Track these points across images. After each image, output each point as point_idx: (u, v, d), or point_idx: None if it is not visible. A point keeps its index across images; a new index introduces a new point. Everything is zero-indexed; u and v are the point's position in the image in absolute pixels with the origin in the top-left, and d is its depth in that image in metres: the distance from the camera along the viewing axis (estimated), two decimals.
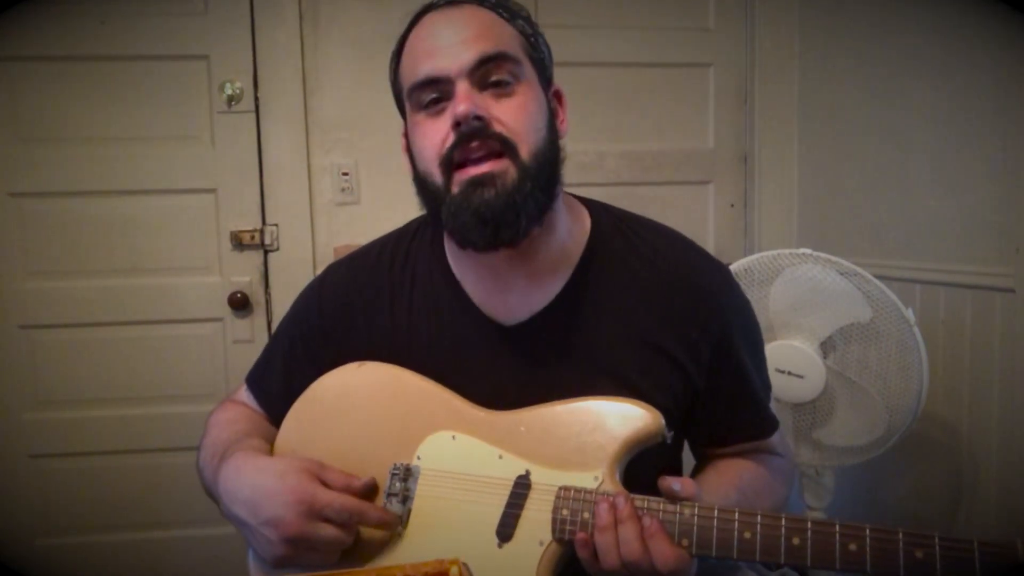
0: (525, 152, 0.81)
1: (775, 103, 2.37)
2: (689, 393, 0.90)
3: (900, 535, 0.69)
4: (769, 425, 0.96)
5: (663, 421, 0.81)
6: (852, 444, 1.65)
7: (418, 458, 0.87)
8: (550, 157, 0.84)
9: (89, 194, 2.12)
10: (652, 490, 0.78)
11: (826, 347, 1.65)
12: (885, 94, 1.97)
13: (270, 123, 2.17)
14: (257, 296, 2.21)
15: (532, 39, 0.88)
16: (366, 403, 0.92)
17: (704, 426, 0.93)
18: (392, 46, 0.91)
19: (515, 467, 0.83)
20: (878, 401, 1.59)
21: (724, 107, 2.42)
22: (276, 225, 2.20)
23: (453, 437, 0.87)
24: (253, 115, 2.16)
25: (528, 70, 0.86)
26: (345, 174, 2.22)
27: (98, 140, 2.12)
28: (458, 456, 0.86)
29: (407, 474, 0.86)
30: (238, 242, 2.18)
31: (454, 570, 0.74)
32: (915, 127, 1.87)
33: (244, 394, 1.07)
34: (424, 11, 0.87)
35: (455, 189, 0.81)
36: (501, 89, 0.82)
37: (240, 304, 2.18)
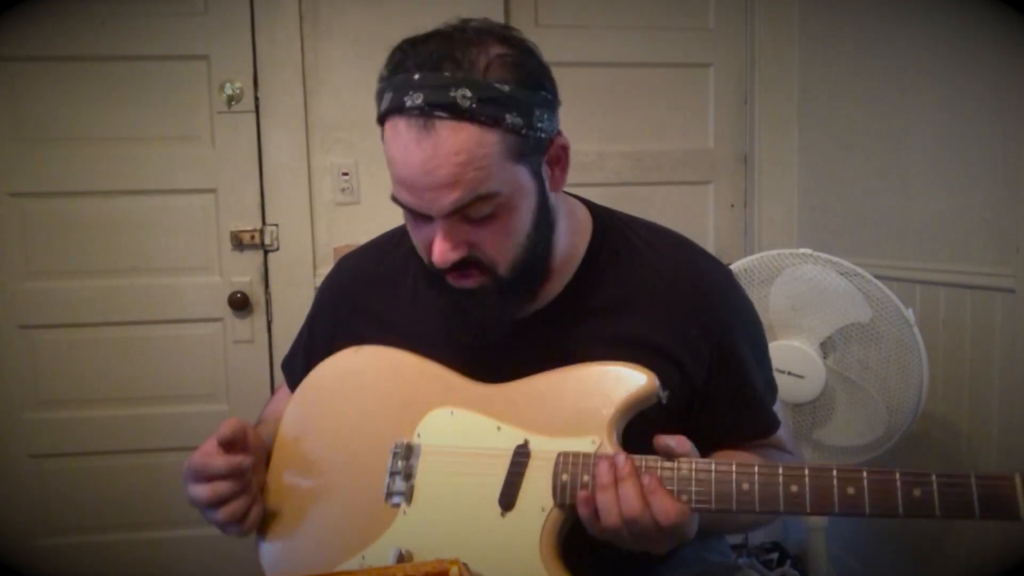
0: (504, 269, 0.83)
1: (775, 103, 2.37)
2: (687, 391, 0.90)
3: (897, 475, 0.69)
4: (772, 424, 0.96)
5: (657, 382, 0.80)
6: (852, 444, 1.66)
7: (418, 436, 0.88)
8: (534, 256, 0.84)
9: (89, 194, 2.12)
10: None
11: (826, 347, 1.66)
12: (885, 94, 1.97)
13: (270, 123, 2.17)
14: (257, 296, 2.21)
15: (524, 129, 0.77)
16: (365, 385, 0.94)
17: (706, 425, 0.93)
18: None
19: (514, 437, 0.84)
20: (878, 401, 1.59)
21: (724, 107, 2.42)
22: (276, 225, 2.20)
23: (451, 413, 0.88)
24: (253, 115, 2.16)
25: (512, 178, 0.79)
26: (345, 174, 2.22)
27: (98, 140, 2.12)
28: (457, 431, 0.87)
29: (408, 452, 0.87)
30: (238, 242, 2.18)
31: (454, 570, 0.74)
32: (915, 127, 1.87)
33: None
34: (397, 110, 0.77)
35: (448, 286, 0.85)
36: (480, 220, 0.80)
37: (240, 304, 2.18)
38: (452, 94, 0.74)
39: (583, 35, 2.31)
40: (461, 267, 0.82)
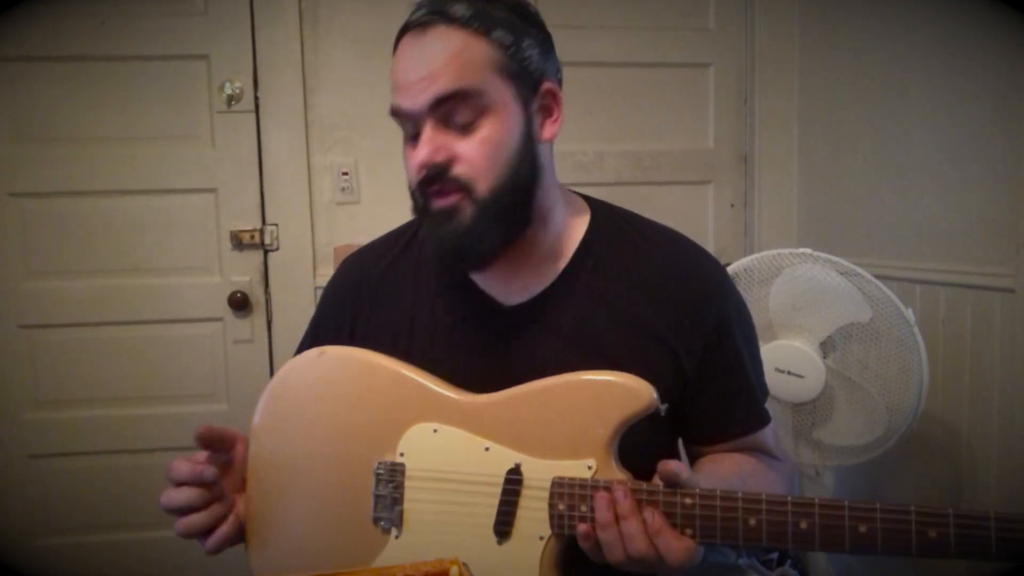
0: (483, 190, 0.83)
1: (775, 103, 2.37)
2: (680, 382, 0.90)
3: (912, 514, 0.67)
4: (764, 418, 0.96)
5: (655, 394, 0.78)
6: (852, 444, 1.65)
7: (401, 455, 0.84)
8: (516, 183, 0.85)
9: (89, 194, 2.12)
10: (648, 473, 0.78)
11: (826, 347, 1.65)
12: (885, 94, 1.97)
13: (270, 123, 2.17)
14: (257, 296, 2.21)
15: (511, 48, 0.84)
16: (335, 396, 0.88)
17: (696, 419, 0.93)
18: (392, 42, 0.90)
19: (504, 460, 0.80)
20: (878, 401, 1.59)
21: (724, 107, 2.42)
22: (276, 225, 2.20)
23: (435, 430, 0.83)
24: (253, 115, 2.16)
25: (497, 91, 0.83)
26: (345, 174, 2.22)
27: (98, 140, 2.12)
28: (442, 451, 0.82)
29: (391, 474, 0.84)
30: (238, 242, 2.18)
31: (454, 570, 0.74)
32: (915, 127, 1.87)
33: None
34: (404, 30, 0.86)
35: (429, 211, 0.87)
36: (463, 127, 0.83)
37: (240, 304, 2.18)
38: (448, 4, 0.83)
39: (583, 35, 2.31)
40: (440, 180, 0.83)
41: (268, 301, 2.21)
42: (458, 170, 0.83)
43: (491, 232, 0.84)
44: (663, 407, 0.79)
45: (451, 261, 0.87)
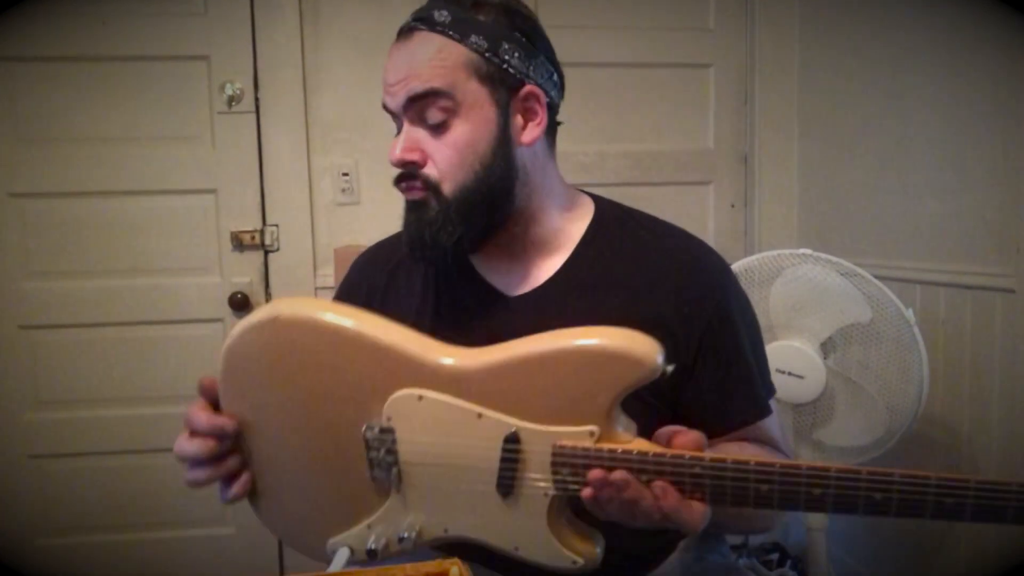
0: (448, 190, 0.88)
1: (775, 103, 2.37)
2: (678, 370, 0.89)
3: (932, 486, 0.65)
4: (764, 408, 0.95)
5: (660, 355, 0.72)
6: (852, 444, 1.66)
7: (388, 419, 0.79)
8: (488, 184, 0.88)
9: (89, 194, 2.12)
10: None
11: (826, 347, 1.66)
12: (885, 94, 1.97)
13: (270, 123, 2.18)
14: (257, 297, 2.21)
15: (488, 52, 0.86)
16: (300, 363, 0.81)
17: (695, 410, 0.93)
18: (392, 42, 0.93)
19: (500, 427, 0.76)
20: (878, 401, 1.59)
21: (724, 107, 2.42)
22: (276, 226, 2.20)
23: (419, 397, 0.78)
24: (253, 115, 2.16)
25: (471, 92, 0.86)
26: (345, 174, 2.22)
27: (98, 140, 2.12)
28: (431, 420, 0.78)
29: (381, 442, 0.80)
30: (238, 242, 2.18)
31: (454, 570, 0.74)
32: (915, 127, 1.87)
33: None
34: (397, 35, 0.91)
35: (405, 200, 0.93)
36: (436, 127, 0.87)
37: (240, 305, 2.18)
38: (432, 12, 0.87)
39: (583, 35, 2.31)
40: (412, 177, 0.89)
41: (268, 302, 2.21)
42: (428, 170, 0.88)
43: (454, 228, 0.88)
44: (669, 368, 0.73)
45: (415, 249, 0.91)
